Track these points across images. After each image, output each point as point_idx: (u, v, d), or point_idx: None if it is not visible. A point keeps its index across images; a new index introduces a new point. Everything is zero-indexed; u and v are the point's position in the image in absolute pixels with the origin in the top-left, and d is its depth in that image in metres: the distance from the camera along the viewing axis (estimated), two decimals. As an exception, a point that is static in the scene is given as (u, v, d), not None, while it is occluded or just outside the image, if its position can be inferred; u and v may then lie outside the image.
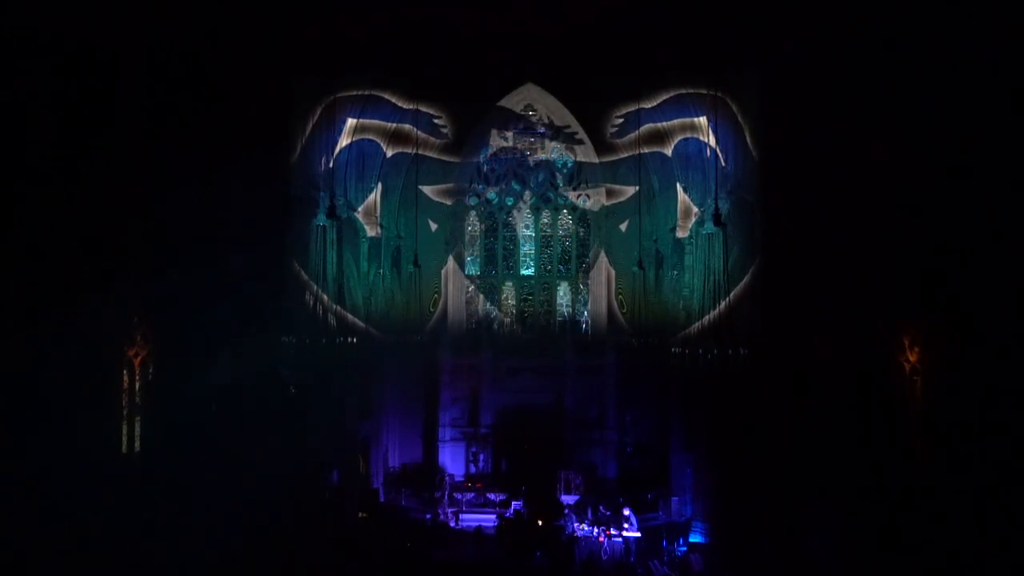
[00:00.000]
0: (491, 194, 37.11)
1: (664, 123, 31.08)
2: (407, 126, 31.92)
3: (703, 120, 28.48)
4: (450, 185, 35.99)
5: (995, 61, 17.41)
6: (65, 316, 17.58)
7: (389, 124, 31.72)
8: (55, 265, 17.91)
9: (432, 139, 33.56)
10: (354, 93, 28.83)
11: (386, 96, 30.28)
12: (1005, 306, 17.11)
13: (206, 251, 21.28)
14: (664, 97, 29.54)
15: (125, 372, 21.17)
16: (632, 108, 30.99)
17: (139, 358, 21.46)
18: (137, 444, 21.46)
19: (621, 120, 32.18)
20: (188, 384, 21.52)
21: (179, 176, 20.93)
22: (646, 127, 31.41)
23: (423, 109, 31.76)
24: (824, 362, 22.98)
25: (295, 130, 26.63)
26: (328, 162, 28.64)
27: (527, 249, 37.61)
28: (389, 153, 32.78)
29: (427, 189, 35.14)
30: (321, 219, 27.76)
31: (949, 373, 18.94)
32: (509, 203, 37.33)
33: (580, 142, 36.06)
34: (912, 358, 20.62)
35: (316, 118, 27.42)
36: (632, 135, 32.03)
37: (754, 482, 25.26)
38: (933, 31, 18.91)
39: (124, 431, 21.19)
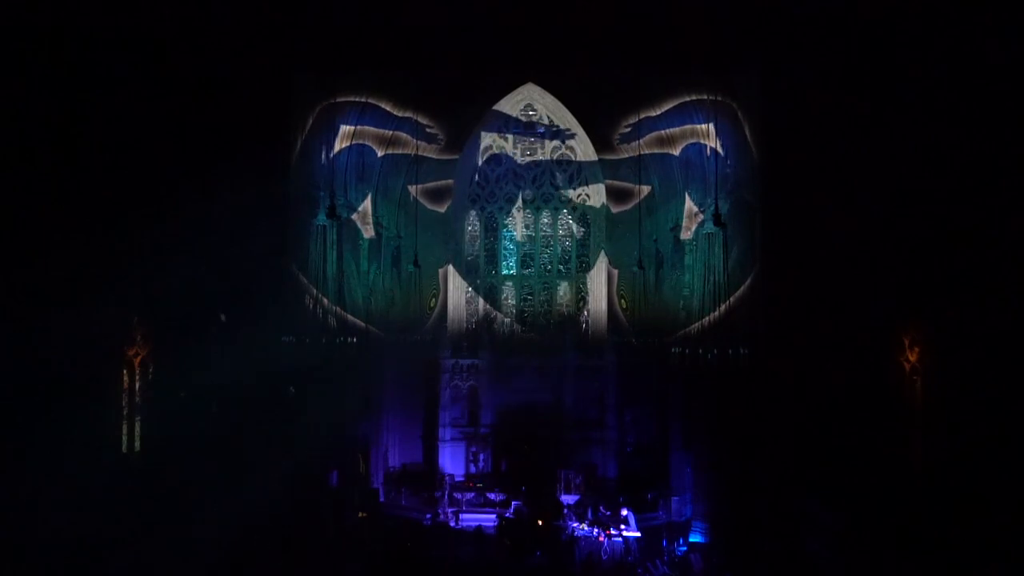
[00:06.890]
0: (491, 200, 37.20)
1: (668, 130, 31.16)
2: (403, 134, 32.06)
3: (706, 127, 28.50)
4: (449, 181, 35.89)
5: (995, 62, 17.40)
6: (65, 316, 17.59)
7: (386, 131, 31.84)
8: (55, 265, 17.91)
9: (429, 144, 33.62)
10: (351, 99, 28.87)
11: (382, 104, 30.34)
12: (1005, 306, 17.10)
13: (206, 251, 21.27)
14: (668, 106, 29.60)
15: (125, 372, 21.21)
16: (633, 110, 31.02)
17: (139, 358, 21.48)
18: (137, 444, 21.51)
19: (627, 129, 32.23)
20: (188, 384, 21.53)
21: (179, 175, 20.94)
22: (651, 135, 31.54)
23: (418, 118, 31.88)
24: (824, 362, 22.96)
25: (295, 130, 26.64)
26: (328, 162, 28.65)
27: (527, 249, 37.60)
28: (387, 155, 32.83)
29: (425, 194, 35.17)
30: (321, 219, 27.77)
31: (949, 373, 18.93)
32: (509, 203, 37.29)
33: (579, 142, 36.04)
34: (912, 358, 20.62)
35: (315, 119, 27.44)
36: (635, 140, 32.14)
37: (754, 482, 25.24)
38: (933, 32, 18.90)
39: (124, 431, 21.23)
